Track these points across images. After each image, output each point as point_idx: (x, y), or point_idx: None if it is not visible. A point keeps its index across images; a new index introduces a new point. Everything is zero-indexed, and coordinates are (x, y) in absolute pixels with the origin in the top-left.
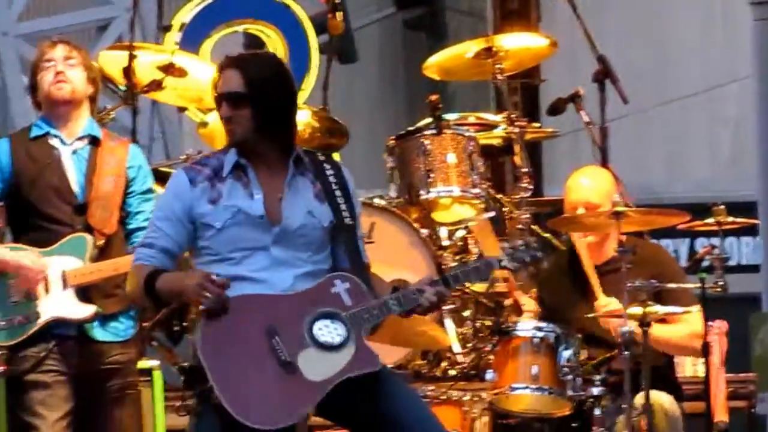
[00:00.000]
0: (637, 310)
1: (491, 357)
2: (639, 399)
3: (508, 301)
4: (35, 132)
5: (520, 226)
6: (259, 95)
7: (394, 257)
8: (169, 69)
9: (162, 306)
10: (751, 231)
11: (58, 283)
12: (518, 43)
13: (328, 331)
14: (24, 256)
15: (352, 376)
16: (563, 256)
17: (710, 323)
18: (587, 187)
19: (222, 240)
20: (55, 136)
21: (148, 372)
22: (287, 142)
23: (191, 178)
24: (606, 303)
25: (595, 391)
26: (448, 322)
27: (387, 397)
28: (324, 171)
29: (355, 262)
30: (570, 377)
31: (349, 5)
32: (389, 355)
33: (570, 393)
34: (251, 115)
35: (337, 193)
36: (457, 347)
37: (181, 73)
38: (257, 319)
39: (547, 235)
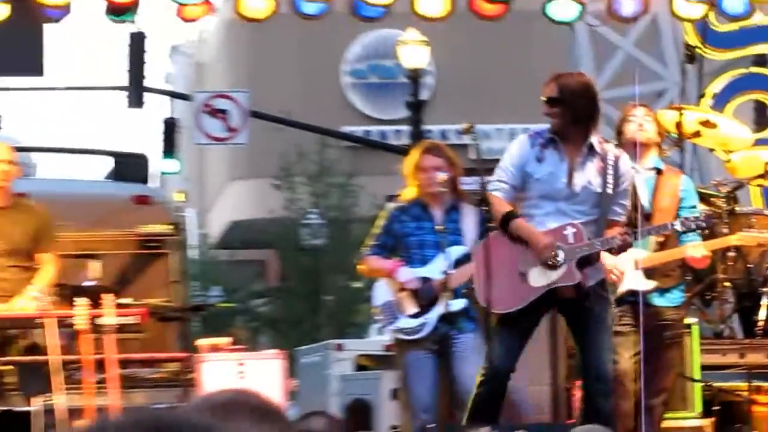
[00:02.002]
0: None
1: None
2: None
3: None
4: None
5: None
6: (567, 100)
7: None
8: (705, 123)
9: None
10: None
11: (631, 266)
12: None
13: (556, 256)
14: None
15: (558, 285)
16: None
17: None
18: None
19: (534, 185)
20: (632, 167)
21: (688, 326)
22: (587, 133)
23: (531, 142)
24: None
25: None
26: None
27: (588, 335)
28: (607, 156)
29: (602, 217)
30: None
31: None
32: None
33: None
34: (561, 113)
35: (609, 171)
36: None
37: (712, 125)
38: (518, 247)
39: None
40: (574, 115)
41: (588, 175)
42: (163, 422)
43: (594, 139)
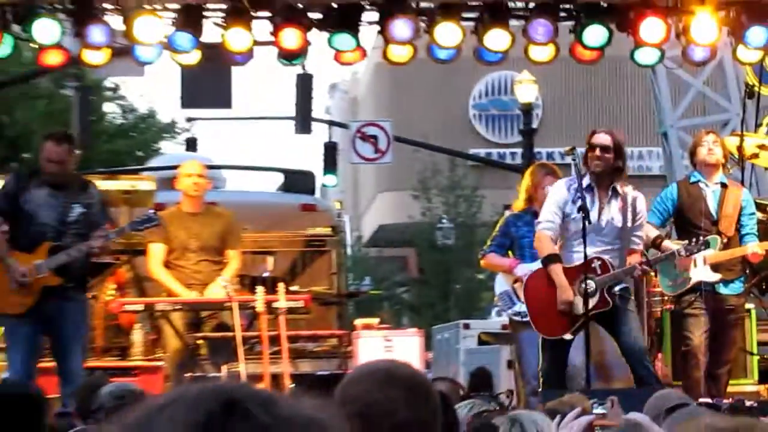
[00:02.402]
0: None
1: None
2: None
3: None
4: (692, 179)
5: None
6: (617, 151)
7: None
8: (761, 147)
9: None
10: None
11: (701, 261)
12: None
13: (589, 285)
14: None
15: (596, 311)
16: None
17: None
18: None
19: (571, 222)
20: (702, 182)
21: (748, 310)
22: (613, 179)
23: (567, 187)
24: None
25: None
26: None
27: (619, 325)
28: (627, 197)
29: (623, 247)
30: None
31: None
32: None
33: None
34: (609, 159)
35: (629, 209)
36: None
37: (766, 148)
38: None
39: None
40: (616, 163)
41: (612, 213)
42: (232, 396)
43: (617, 184)
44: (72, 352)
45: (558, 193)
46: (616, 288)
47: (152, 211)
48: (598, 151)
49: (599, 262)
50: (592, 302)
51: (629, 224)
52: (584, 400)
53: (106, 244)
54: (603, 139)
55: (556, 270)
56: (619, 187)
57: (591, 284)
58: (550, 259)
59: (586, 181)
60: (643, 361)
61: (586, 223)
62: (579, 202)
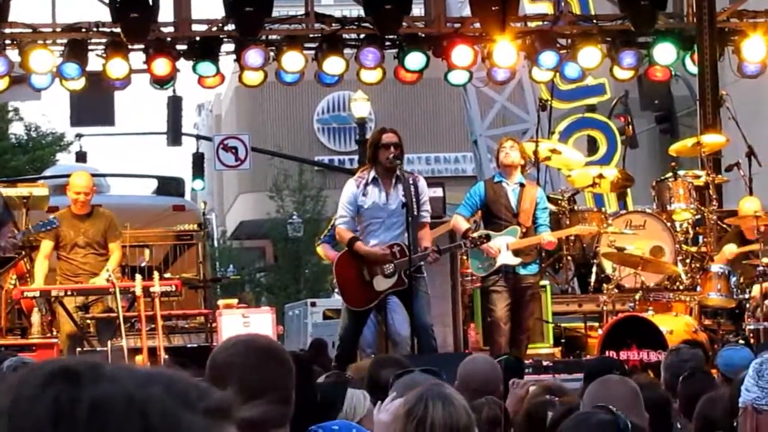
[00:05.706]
0: None
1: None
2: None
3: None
4: (496, 179)
5: None
6: (402, 145)
7: (655, 234)
8: (553, 151)
9: (352, 252)
10: None
11: (504, 248)
12: None
13: (387, 268)
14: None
15: (394, 290)
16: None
17: None
18: None
19: (365, 212)
20: (505, 182)
21: (543, 287)
22: (394, 169)
23: (357, 183)
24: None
25: (746, 294)
26: (680, 266)
27: (413, 302)
28: (408, 181)
29: (413, 222)
30: (736, 289)
31: None
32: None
33: (735, 297)
34: (400, 153)
35: (412, 191)
36: (683, 275)
37: (558, 152)
38: (362, 262)
39: None
40: (401, 156)
41: (398, 196)
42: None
43: (398, 171)
44: None
45: (348, 191)
46: (412, 269)
47: (52, 216)
48: (392, 148)
49: (398, 248)
50: (391, 281)
51: (414, 203)
52: None
53: (15, 243)
54: (393, 137)
55: (362, 246)
56: (399, 174)
57: (391, 266)
58: (354, 241)
59: (372, 175)
60: (428, 333)
61: (379, 207)
62: (369, 195)
